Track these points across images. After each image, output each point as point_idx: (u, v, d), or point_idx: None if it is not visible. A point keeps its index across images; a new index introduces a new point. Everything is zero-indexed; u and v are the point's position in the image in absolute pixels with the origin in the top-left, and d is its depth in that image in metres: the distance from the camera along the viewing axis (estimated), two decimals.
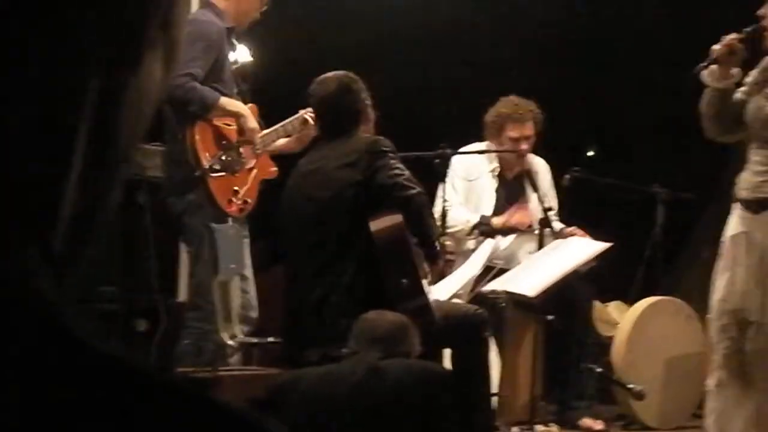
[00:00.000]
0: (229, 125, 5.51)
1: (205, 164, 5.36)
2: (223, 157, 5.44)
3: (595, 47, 8.63)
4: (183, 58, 5.31)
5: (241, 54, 5.84)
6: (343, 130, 4.95)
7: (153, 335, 5.50)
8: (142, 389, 0.62)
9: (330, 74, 5.07)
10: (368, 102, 5.04)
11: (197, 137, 5.37)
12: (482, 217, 6.25)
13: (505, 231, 6.20)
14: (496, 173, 6.43)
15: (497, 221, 6.23)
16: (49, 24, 0.62)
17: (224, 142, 5.48)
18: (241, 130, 5.54)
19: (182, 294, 6.81)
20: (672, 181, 6.65)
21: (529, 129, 6.32)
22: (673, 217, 6.62)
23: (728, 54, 4.52)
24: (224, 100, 5.46)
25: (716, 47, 4.54)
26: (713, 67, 4.58)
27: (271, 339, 5.36)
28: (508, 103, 6.36)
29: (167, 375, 0.64)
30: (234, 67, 5.69)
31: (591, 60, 8.67)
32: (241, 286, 5.54)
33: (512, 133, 6.30)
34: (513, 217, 6.24)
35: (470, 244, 6.16)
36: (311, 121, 5.55)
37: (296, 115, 5.70)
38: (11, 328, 0.60)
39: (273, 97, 5.88)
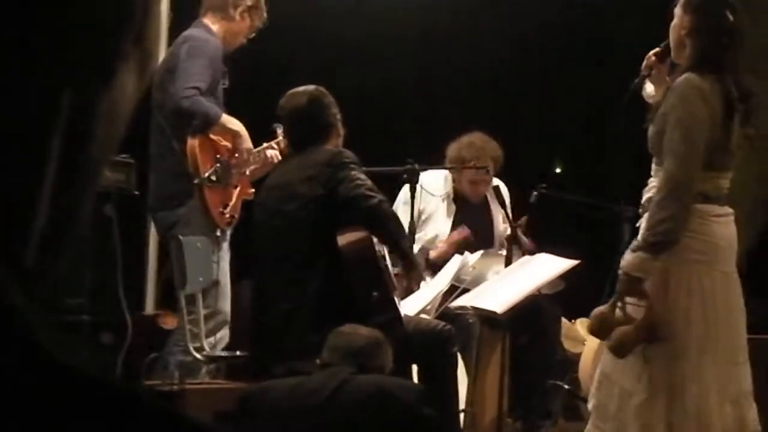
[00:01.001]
0: (222, 140, 5.57)
1: (204, 174, 5.43)
2: (218, 170, 5.52)
3: (563, 64, 8.66)
4: (188, 72, 5.46)
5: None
6: (312, 143, 4.95)
7: (119, 348, 5.47)
8: (109, 404, 0.62)
9: (300, 88, 5.08)
10: (338, 117, 5.05)
11: (198, 148, 5.44)
12: (422, 248, 6.21)
13: (470, 246, 6.17)
14: (451, 198, 6.39)
15: (434, 254, 6.21)
16: (22, 36, 0.62)
17: (218, 155, 5.55)
18: (235, 149, 5.60)
19: (150, 307, 6.79)
20: (639, 198, 6.68)
21: (488, 175, 6.30)
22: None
23: (649, 70, 4.55)
24: (225, 117, 5.56)
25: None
26: (648, 83, 4.63)
27: (238, 353, 5.36)
28: (470, 148, 6.30)
29: (135, 389, 0.64)
30: (222, 87, 5.76)
31: (558, 75, 8.71)
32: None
33: (472, 177, 6.30)
34: (450, 240, 6.22)
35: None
36: (273, 154, 5.65)
37: (270, 143, 5.74)
38: None
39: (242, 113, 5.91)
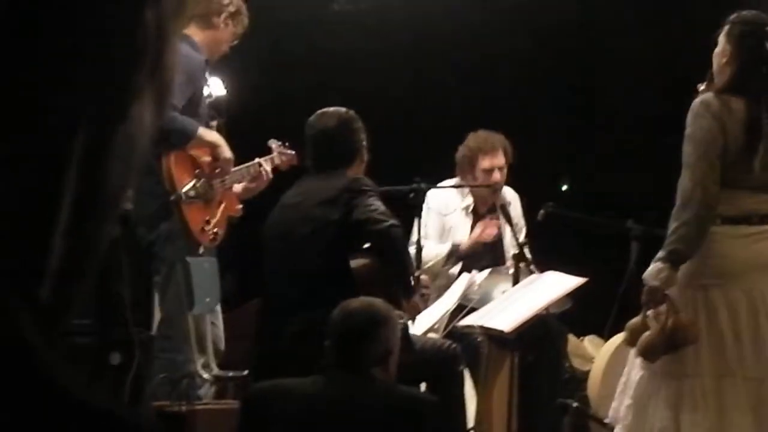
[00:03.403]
0: (202, 156, 5.52)
1: (180, 190, 5.37)
2: (198, 185, 5.45)
3: (570, 79, 8.67)
4: None
5: (215, 87, 5.86)
6: (335, 166, 4.90)
7: (127, 369, 5.46)
8: None
9: (331, 109, 5.03)
10: (365, 143, 5.00)
11: (173, 164, 5.39)
12: (452, 245, 6.27)
13: (478, 260, 6.19)
14: (470, 210, 6.45)
15: (466, 243, 6.27)
16: (33, 73, 0.61)
17: (197, 170, 5.49)
18: (215, 160, 5.54)
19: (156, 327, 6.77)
20: (647, 216, 6.67)
21: (500, 159, 6.34)
22: (648, 252, 6.62)
23: None
24: (202, 131, 5.48)
25: None
26: None
27: (246, 372, 5.34)
28: (476, 137, 6.40)
29: (145, 423, 0.63)
30: (208, 100, 5.70)
31: (565, 90, 8.71)
32: (210, 320, 5.55)
33: (484, 164, 6.32)
34: (479, 232, 6.29)
35: (445, 278, 6.17)
36: (265, 170, 5.63)
37: (253, 162, 5.72)
38: None
39: (243, 130, 5.90)
